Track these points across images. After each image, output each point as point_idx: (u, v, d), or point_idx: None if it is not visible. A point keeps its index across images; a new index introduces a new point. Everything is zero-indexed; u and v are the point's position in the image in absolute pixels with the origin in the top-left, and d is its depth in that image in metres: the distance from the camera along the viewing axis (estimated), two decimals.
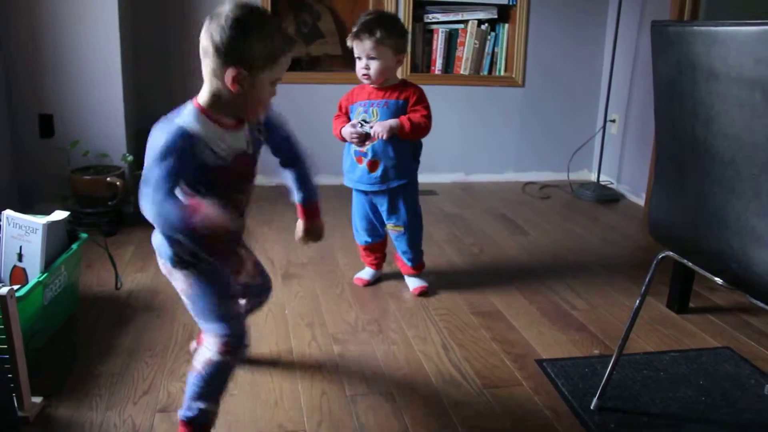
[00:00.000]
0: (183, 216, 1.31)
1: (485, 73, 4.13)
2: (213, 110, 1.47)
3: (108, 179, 2.98)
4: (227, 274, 1.62)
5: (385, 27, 2.26)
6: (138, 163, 3.32)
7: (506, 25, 4.09)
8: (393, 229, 2.49)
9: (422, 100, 2.35)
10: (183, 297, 1.61)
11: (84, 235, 2.26)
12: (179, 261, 1.54)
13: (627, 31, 3.90)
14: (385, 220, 2.48)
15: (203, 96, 1.48)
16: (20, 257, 2.05)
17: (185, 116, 1.45)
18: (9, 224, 2.06)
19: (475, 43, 4.03)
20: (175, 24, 3.66)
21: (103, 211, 2.99)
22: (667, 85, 1.54)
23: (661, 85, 1.57)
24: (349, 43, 2.32)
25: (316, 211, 1.83)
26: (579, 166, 4.33)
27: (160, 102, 3.68)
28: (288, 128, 1.80)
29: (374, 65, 2.28)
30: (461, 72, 4.07)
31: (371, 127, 2.31)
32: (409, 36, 2.99)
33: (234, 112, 1.50)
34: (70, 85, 3.12)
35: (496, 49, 4.12)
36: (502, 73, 4.17)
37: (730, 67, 1.32)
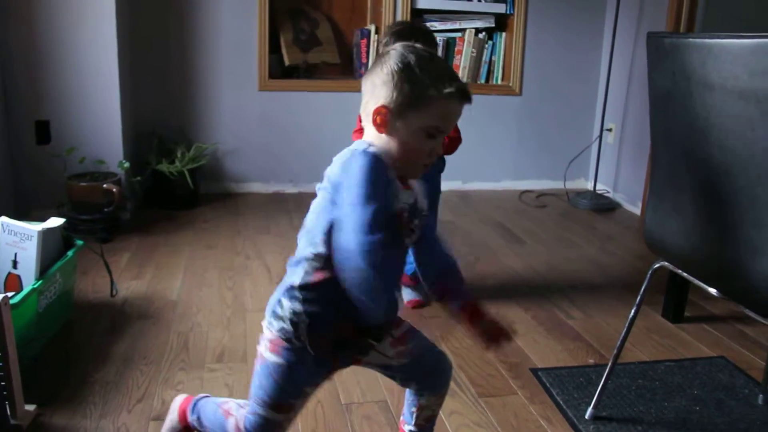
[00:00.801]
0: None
1: (482, 81, 4.14)
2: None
3: (104, 186, 2.98)
4: (307, 376, 1.30)
5: (418, 38, 2.23)
6: (134, 170, 3.33)
7: (503, 34, 4.11)
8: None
9: None
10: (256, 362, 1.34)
11: (79, 242, 2.25)
12: (286, 338, 1.26)
13: (624, 40, 3.92)
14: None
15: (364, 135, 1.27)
16: (15, 264, 2.04)
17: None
18: (4, 231, 2.06)
19: (472, 52, 4.04)
20: (174, 31, 3.67)
21: (99, 218, 2.99)
22: (662, 96, 1.55)
23: (657, 96, 1.58)
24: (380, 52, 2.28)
25: (479, 309, 1.45)
26: (576, 175, 4.34)
27: (158, 110, 3.71)
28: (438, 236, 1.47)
29: None
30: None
31: None
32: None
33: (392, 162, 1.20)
34: (67, 91, 3.12)
35: (493, 58, 4.13)
36: (500, 82, 4.18)
37: (725, 79, 1.33)
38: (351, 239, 1.08)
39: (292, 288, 1.24)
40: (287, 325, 1.24)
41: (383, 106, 1.18)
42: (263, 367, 1.28)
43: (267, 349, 1.27)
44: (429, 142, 1.20)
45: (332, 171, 1.17)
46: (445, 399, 1.50)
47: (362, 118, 1.25)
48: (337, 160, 1.19)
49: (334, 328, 1.25)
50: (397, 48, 1.22)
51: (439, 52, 3.99)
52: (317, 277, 1.21)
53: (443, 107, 1.19)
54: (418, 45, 1.23)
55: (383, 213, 1.10)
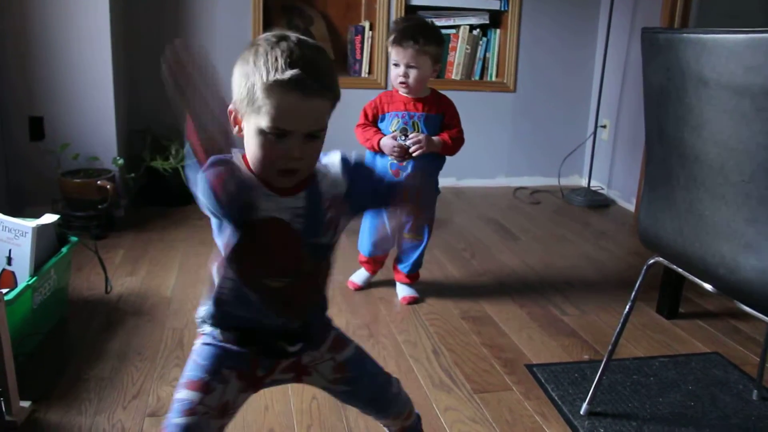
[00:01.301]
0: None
1: (477, 78, 4.14)
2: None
3: (98, 182, 2.97)
4: (224, 355, 1.21)
5: (426, 35, 2.22)
6: (128, 166, 3.32)
7: (498, 31, 4.11)
8: (414, 238, 2.46)
9: (457, 115, 2.35)
10: None
11: (74, 239, 2.25)
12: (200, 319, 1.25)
13: (618, 36, 3.92)
14: (406, 229, 2.47)
15: None
16: (9, 260, 2.04)
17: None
18: None
19: (466, 48, 4.04)
20: (168, 26, 3.66)
21: (93, 215, 2.98)
22: (657, 91, 1.55)
23: (651, 92, 1.58)
24: (389, 48, 2.27)
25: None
26: (570, 172, 4.35)
27: (152, 106, 3.69)
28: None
29: (413, 74, 2.23)
30: (453, 77, 4.07)
31: (412, 141, 2.26)
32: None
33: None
34: (61, 87, 3.11)
35: (487, 55, 4.13)
36: (494, 79, 4.18)
37: (719, 75, 1.33)
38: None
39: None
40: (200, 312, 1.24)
41: (230, 107, 1.10)
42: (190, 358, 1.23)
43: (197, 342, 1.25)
44: (277, 146, 1.06)
45: None
46: (410, 419, 1.46)
47: None
48: None
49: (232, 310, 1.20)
50: (253, 41, 1.12)
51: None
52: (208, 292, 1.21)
53: (274, 103, 1.04)
54: (284, 33, 1.10)
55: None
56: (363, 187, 1.23)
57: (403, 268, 2.52)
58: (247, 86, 1.06)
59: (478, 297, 2.56)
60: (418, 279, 2.58)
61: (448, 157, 2.42)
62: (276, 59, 1.04)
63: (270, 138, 1.06)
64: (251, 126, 1.07)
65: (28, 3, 2.99)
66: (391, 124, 2.31)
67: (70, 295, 2.33)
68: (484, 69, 4.16)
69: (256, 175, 1.11)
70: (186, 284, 2.55)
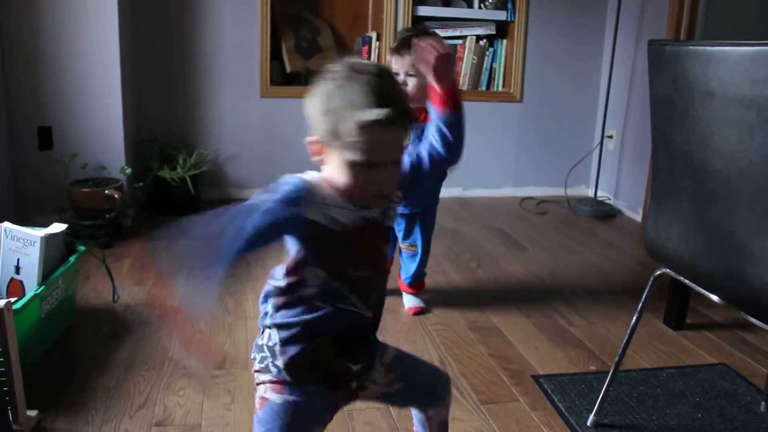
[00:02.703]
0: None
1: (483, 88, 4.15)
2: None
3: (106, 192, 2.99)
4: (314, 413, 1.25)
5: None
6: (136, 175, 3.33)
7: (504, 41, 4.12)
8: (408, 249, 2.48)
9: None
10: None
11: (82, 248, 2.26)
12: (264, 368, 1.24)
13: (624, 47, 3.93)
14: (400, 240, 2.48)
15: None
16: (18, 270, 2.05)
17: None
18: (7, 237, 2.06)
19: (473, 59, 4.05)
20: (176, 38, 3.68)
21: (101, 224, 2.99)
22: (663, 102, 1.56)
23: (658, 103, 1.58)
24: (389, 58, 2.29)
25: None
26: (576, 182, 4.34)
27: (159, 116, 3.71)
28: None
29: (412, 83, 2.22)
30: (459, 87, 4.07)
31: None
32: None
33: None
34: (70, 97, 3.13)
35: (494, 65, 4.14)
36: (500, 89, 4.19)
37: (725, 86, 1.33)
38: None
39: (266, 313, 1.24)
40: (265, 352, 1.23)
41: (311, 138, 1.13)
42: (267, 409, 1.22)
43: (269, 390, 1.23)
44: (368, 175, 1.10)
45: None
46: (451, 402, 1.49)
47: None
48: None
49: (307, 345, 1.21)
50: (323, 70, 1.13)
51: None
52: (281, 300, 1.22)
53: (366, 139, 1.06)
54: (355, 62, 1.12)
55: (249, 236, 1.07)
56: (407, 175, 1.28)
57: (405, 279, 2.52)
58: (335, 122, 1.08)
59: (485, 307, 2.56)
60: (423, 288, 2.58)
61: (454, 167, 2.42)
62: (365, 96, 1.06)
63: (361, 169, 1.09)
64: (339, 158, 1.10)
65: (37, 14, 3.02)
66: None
67: (77, 304, 2.34)
68: (490, 79, 4.17)
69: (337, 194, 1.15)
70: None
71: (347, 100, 1.07)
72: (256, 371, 1.27)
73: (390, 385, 1.34)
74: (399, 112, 1.07)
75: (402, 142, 1.13)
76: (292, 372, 1.21)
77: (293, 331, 1.20)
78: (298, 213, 1.11)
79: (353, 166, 1.09)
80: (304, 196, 1.12)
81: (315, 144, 1.13)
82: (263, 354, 1.24)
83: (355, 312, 1.22)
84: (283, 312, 1.22)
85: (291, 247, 1.19)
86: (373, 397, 1.36)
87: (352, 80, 1.08)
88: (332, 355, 1.24)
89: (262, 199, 1.10)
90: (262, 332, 1.26)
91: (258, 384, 1.27)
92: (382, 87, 1.08)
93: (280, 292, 1.22)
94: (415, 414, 1.47)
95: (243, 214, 1.08)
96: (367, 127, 1.05)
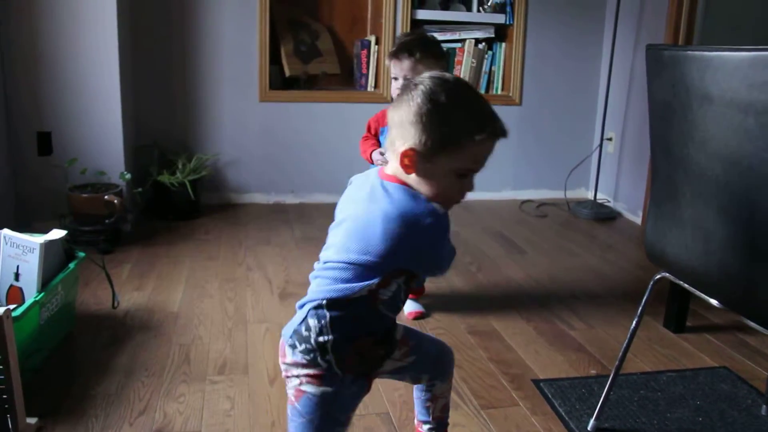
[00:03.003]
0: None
1: (482, 91, 4.15)
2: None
3: (106, 197, 2.99)
4: (351, 400, 1.31)
5: (423, 48, 2.20)
6: (136, 181, 3.33)
7: (503, 45, 4.12)
8: None
9: None
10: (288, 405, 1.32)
11: (81, 254, 2.26)
12: (310, 363, 1.25)
13: (623, 50, 3.93)
14: None
15: (391, 169, 1.24)
16: (17, 276, 2.05)
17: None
18: (6, 243, 2.06)
19: (472, 62, 4.05)
20: (175, 42, 3.68)
21: (100, 229, 2.99)
22: (661, 107, 1.56)
23: (656, 107, 1.59)
24: (387, 62, 2.29)
25: None
26: (576, 185, 4.35)
27: (159, 121, 3.72)
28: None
29: None
30: None
31: None
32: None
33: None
34: (69, 102, 3.13)
35: (493, 68, 4.15)
36: (500, 92, 4.19)
37: (723, 91, 1.33)
38: (443, 266, 1.26)
39: (320, 306, 1.22)
40: (312, 345, 1.23)
41: (411, 149, 1.16)
42: (305, 401, 1.25)
43: (305, 382, 1.25)
44: (460, 182, 1.20)
45: (390, 226, 1.16)
46: (452, 383, 1.54)
47: (388, 149, 1.25)
48: (390, 208, 1.17)
49: (355, 343, 1.25)
50: (427, 82, 1.17)
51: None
52: (348, 302, 1.22)
53: (476, 150, 1.17)
54: (450, 77, 1.19)
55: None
56: None
57: None
58: (449, 134, 1.15)
59: (485, 311, 2.55)
60: (424, 293, 2.58)
61: None
62: (482, 111, 1.18)
63: (462, 177, 1.20)
64: (443, 167, 1.17)
65: (36, 19, 3.02)
66: (386, 137, 2.33)
67: (77, 310, 2.34)
68: (489, 82, 4.17)
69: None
70: (193, 299, 2.55)
71: (468, 114, 1.16)
72: (294, 364, 1.26)
73: (404, 359, 1.39)
74: (503, 128, 1.18)
75: (489, 156, 1.22)
76: (343, 367, 1.24)
77: (349, 331, 1.23)
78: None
79: (455, 174, 1.18)
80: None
81: (415, 154, 1.17)
82: (309, 346, 1.23)
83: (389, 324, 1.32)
84: (345, 313, 1.22)
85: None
86: (388, 373, 1.39)
87: (466, 93, 1.20)
88: (375, 349, 1.29)
89: (443, 230, 1.21)
90: (304, 320, 1.24)
91: (290, 377, 1.28)
92: (486, 102, 1.21)
93: (351, 294, 1.21)
94: (418, 398, 1.52)
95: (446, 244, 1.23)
96: (485, 139, 1.16)
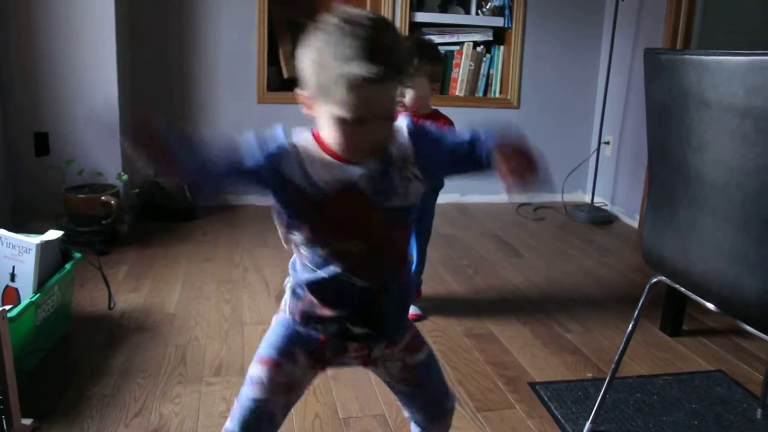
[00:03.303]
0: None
1: (480, 94, 4.16)
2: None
3: (102, 198, 2.98)
4: (296, 336, 1.25)
5: (421, 54, 2.20)
6: (132, 182, 3.33)
7: (501, 47, 4.13)
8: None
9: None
10: None
11: (77, 255, 2.25)
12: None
13: (621, 53, 3.94)
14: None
15: None
16: (13, 277, 2.04)
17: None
18: (2, 244, 2.06)
19: (470, 65, 4.06)
20: (173, 44, 3.68)
21: (97, 230, 2.99)
22: (659, 111, 1.56)
23: (654, 111, 1.59)
24: None
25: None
26: (573, 188, 4.35)
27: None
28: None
29: (409, 94, 2.21)
30: (456, 94, 4.09)
31: None
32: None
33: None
34: (66, 103, 3.13)
35: (491, 71, 4.15)
36: (498, 95, 4.19)
37: (721, 96, 1.33)
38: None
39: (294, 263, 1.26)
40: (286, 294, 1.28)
41: (301, 92, 1.10)
42: (274, 321, 1.29)
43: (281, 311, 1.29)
44: (358, 131, 1.06)
45: None
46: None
47: None
48: None
49: (303, 300, 1.23)
50: (317, 23, 1.07)
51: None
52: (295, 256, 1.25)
53: (353, 95, 1.01)
54: (350, 13, 1.05)
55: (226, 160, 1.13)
56: (431, 150, 1.21)
57: None
58: (322, 76, 1.03)
59: (482, 314, 2.56)
60: (420, 296, 2.58)
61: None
62: (354, 50, 1.00)
63: (351, 125, 1.05)
64: (327, 113, 1.06)
65: (34, 20, 3.02)
66: None
67: (73, 311, 2.33)
68: (487, 85, 4.18)
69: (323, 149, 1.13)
70: (189, 300, 2.55)
71: (337, 55, 1.00)
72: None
73: (398, 383, 1.33)
74: (391, 68, 1.01)
75: (394, 98, 1.07)
76: (294, 317, 1.25)
77: (295, 285, 1.24)
78: (278, 170, 1.12)
79: (342, 123, 1.05)
80: (285, 155, 1.12)
81: (305, 98, 1.10)
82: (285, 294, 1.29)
83: (347, 281, 1.19)
84: (297, 267, 1.24)
85: (279, 210, 1.21)
86: (381, 378, 1.35)
87: (344, 33, 1.01)
88: (328, 313, 1.21)
89: (251, 147, 1.13)
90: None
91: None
92: (376, 40, 1.01)
93: (294, 250, 1.23)
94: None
95: (233, 154, 1.14)
96: (356, 85, 1.00)
